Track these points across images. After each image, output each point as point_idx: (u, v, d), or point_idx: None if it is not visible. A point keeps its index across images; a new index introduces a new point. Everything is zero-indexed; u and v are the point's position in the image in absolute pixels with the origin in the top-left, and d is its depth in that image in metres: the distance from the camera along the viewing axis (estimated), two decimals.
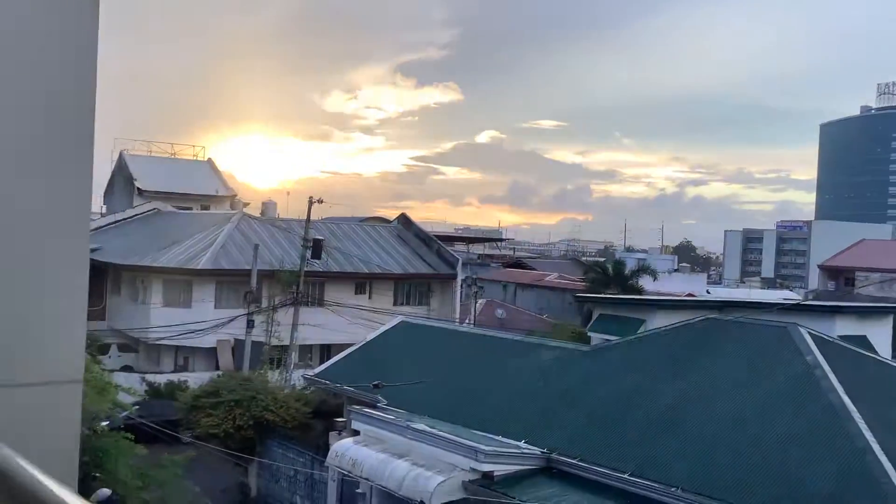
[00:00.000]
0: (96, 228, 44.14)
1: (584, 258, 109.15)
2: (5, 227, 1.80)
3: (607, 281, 49.82)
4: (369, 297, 41.69)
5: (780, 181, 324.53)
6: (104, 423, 16.55)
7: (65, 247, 1.88)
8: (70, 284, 1.89)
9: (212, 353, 37.14)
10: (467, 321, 44.05)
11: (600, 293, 40.89)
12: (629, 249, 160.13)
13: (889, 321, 23.64)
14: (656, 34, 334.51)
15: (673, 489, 13.95)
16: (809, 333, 17.11)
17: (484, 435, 17.01)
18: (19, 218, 1.81)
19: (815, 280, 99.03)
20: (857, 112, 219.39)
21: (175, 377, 34.70)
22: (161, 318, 36.95)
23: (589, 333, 25.94)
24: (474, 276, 51.72)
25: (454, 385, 20.12)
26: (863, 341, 20.15)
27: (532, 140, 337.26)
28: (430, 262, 44.84)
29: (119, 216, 49.18)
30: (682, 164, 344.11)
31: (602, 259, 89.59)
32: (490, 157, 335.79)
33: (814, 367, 15.68)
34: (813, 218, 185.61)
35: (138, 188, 52.82)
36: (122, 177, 56.33)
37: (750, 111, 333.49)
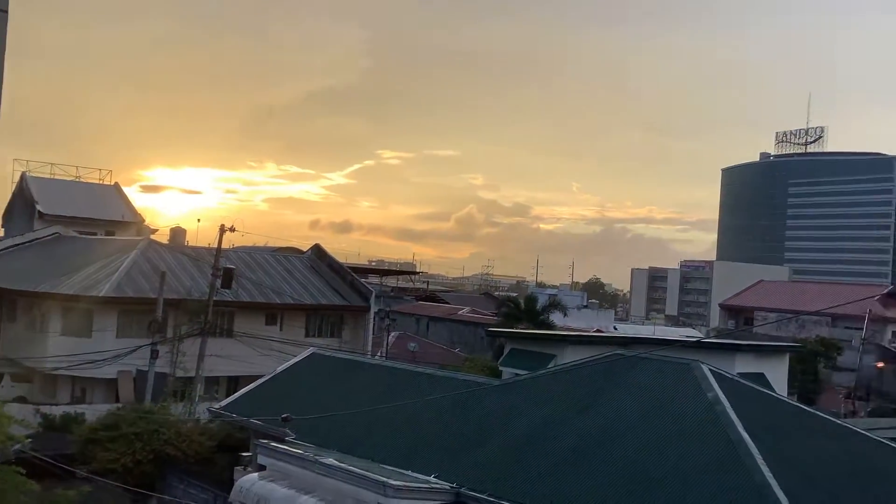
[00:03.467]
0: None
1: (496, 293, 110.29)
2: None
3: (519, 316, 50.45)
4: (280, 329, 41.01)
5: (683, 222, 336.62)
6: None
7: None
8: None
9: (112, 384, 35.73)
10: (379, 354, 43.78)
11: (512, 328, 41.35)
12: (541, 285, 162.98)
13: (785, 359, 24.67)
14: (562, 65, 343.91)
15: None
16: (711, 370, 17.67)
17: (394, 469, 16.85)
18: None
19: (716, 318, 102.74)
20: (756, 158, 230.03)
21: (72, 409, 33.22)
22: (59, 348, 35.40)
23: (501, 367, 26.16)
24: (387, 309, 51.57)
25: (365, 418, 19.90)
26: (760, 378, 20.95)
27: (443, 172, 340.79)
28: (343, 293, 44.50)
29: (18, 240, 47.07)
30: (590, 203, 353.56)
31: (514, 294, 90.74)
32: (401, 188, 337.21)
33: (715, 404, 16.18)
34: (714, 258, 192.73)
35: (39, 212, 50.80)
36: (22, 199, 54.12)
37: (655, 150, 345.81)
